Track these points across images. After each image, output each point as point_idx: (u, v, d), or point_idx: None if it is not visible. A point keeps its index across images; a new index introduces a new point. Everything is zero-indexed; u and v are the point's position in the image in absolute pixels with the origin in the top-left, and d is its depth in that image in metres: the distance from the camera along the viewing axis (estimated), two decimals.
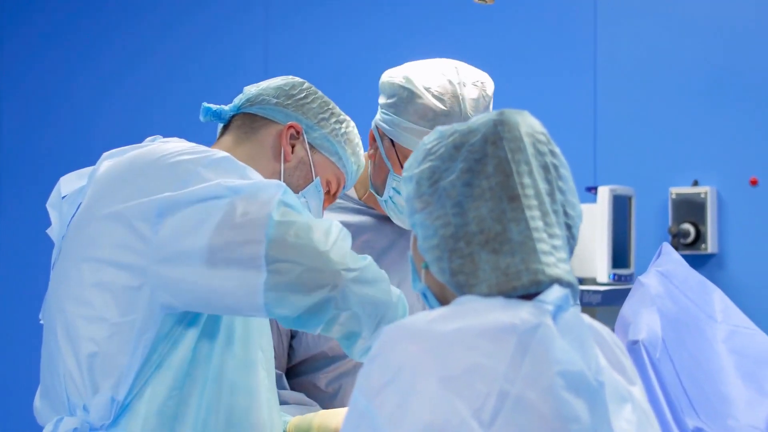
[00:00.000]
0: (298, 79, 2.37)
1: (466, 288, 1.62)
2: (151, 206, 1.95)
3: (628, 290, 4.41)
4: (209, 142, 2.29)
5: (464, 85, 2.48)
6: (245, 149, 2.26)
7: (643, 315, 2.08)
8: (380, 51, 5.22)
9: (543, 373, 1.52)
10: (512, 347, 1.53)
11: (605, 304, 4.33)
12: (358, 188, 2.66)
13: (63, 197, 2.13)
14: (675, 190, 4.72)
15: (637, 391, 1.61)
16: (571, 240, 1.69)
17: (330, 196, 2.37)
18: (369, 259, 1.97)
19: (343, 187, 2.39)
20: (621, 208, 4.61)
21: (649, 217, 4.78)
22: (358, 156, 2.38)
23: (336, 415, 2.30)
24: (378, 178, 2.56)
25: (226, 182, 1.94)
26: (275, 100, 2.31)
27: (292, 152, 2.28)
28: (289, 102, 2.31)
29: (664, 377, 2.00)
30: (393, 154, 2.52)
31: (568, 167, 1.71)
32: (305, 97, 2.33)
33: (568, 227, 1.68)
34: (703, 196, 4.65)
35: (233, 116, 2.33)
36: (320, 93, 2.35)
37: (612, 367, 1.59)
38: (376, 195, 2.58)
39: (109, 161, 2.10)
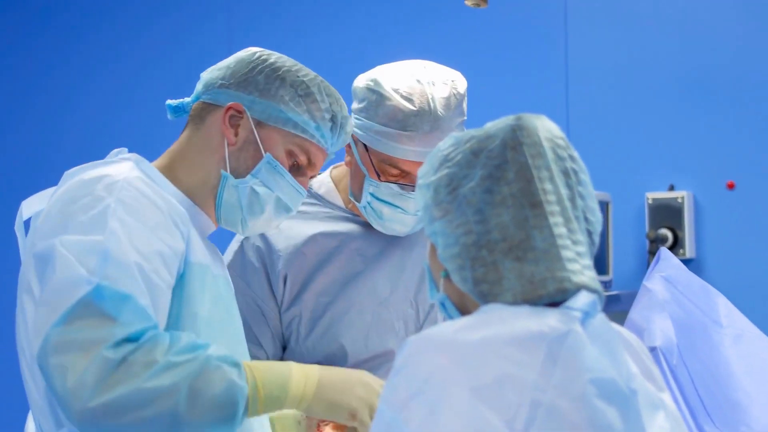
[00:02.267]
0: (251, 50, 2.20)
1: (490, 297, 1.60)
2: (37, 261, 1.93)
3: (608, 297, 4.45)
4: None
5: (433, 84, 2.46)
6: (196, 143, 2.15)
7: (655, 321, 2.07)
8: (348, 57, 5.18)
9: (574, 381, 1.50)
10: (542, 355, 1.51)
11: None
12: (344, 197, 2.64)
13: (25, 221, 2.07)
14: (651, 195, 4.71)
15: (667, 398, 1.60)
16: (592, 246, 1.67)
17: (303, 170, 2.19)
18: None
19: (327, 151, 2.21)
20: None
21: (626, 223, 4.78)
22: (325, 111, 2.16)
23: None
24: (355, 185, 2.55)
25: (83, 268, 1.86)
26: (220, 82, 2.16)
27: (237, 134, 2.12)
28: (231, 81, 2.15)
29: (681, 384, 1.99)
30: (367, 159, 2.50)
31: (587, 172, 1.70)
32: (250, 71, 2.15)
33: (589, 233, 1.66)
34: (679, 200, 4.65)
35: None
36: (273, 59, 2.17)
37: (642, 374, 1.58)
38: (355, 202, 2.56)
39: (62, 188, 2.02)
